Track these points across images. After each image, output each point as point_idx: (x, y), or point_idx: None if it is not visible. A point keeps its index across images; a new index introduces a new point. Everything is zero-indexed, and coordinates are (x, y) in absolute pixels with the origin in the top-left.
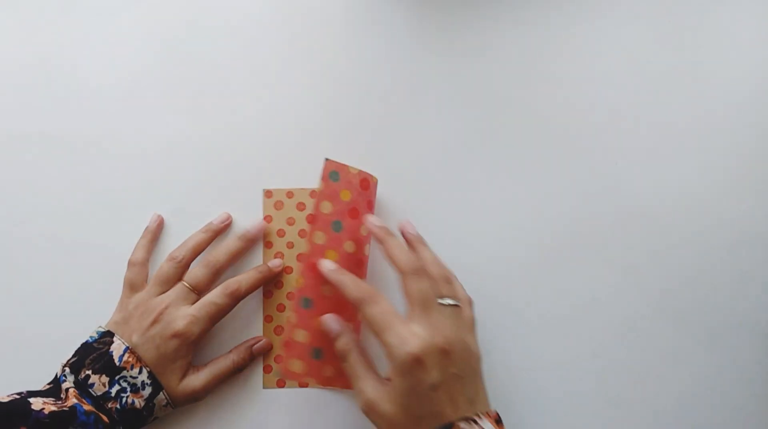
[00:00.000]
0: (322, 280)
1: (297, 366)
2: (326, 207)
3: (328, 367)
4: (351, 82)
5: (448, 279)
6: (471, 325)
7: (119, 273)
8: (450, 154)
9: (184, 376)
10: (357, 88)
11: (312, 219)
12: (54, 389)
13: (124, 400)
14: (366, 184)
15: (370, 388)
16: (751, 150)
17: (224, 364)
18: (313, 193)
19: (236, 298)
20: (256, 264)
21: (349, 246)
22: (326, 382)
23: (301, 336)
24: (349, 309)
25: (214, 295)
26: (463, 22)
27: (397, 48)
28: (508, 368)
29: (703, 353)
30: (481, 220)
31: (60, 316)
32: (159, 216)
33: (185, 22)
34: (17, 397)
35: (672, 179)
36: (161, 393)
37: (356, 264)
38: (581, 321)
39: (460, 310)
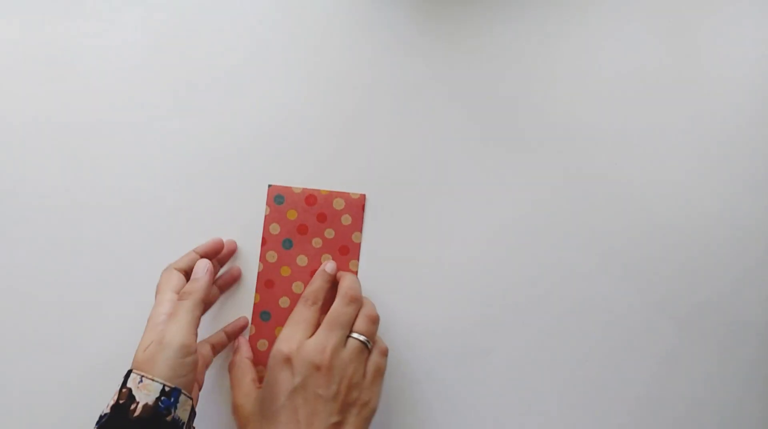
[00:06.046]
0: (278, 294)
1: (264, 371)
2: (275, 228)
3: None
4: (353, 80)
5: (374, 321)
6: (374, 371)
7: (117, 272)
8: (449, 154)
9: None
10: (360, 87)
11: (263, 241)
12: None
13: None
14: (312, 199)
15: (244, 391)
16: (751, 149)
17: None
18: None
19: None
20: (253, 261)
21: (301, 260)
22: None
23: (263, 345)
24: None
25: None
26: (463, 23)
27: (399, 47)
28: (505, 370)
29: (702, 353)
30: (478, 222)
31: (57, 316)
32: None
33: (191, 20)
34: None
35: (671, 179)
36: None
37: (312, 274)
38: (579, 322)
39: (367, 352)
